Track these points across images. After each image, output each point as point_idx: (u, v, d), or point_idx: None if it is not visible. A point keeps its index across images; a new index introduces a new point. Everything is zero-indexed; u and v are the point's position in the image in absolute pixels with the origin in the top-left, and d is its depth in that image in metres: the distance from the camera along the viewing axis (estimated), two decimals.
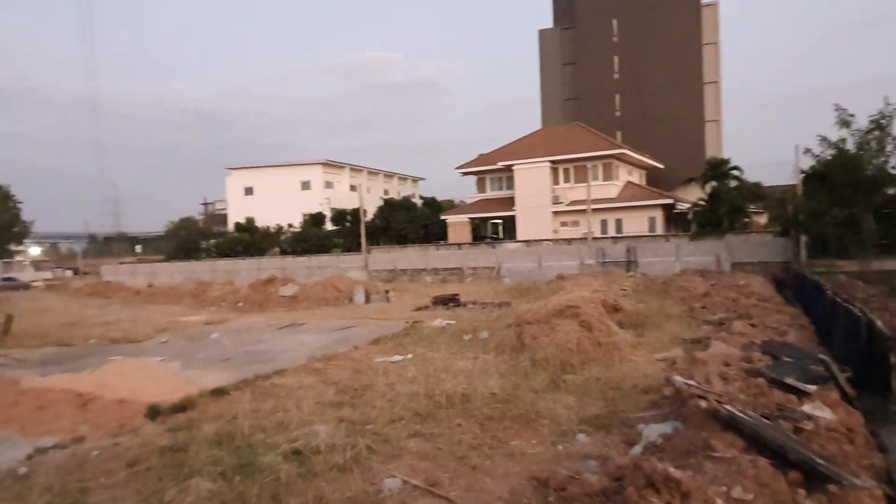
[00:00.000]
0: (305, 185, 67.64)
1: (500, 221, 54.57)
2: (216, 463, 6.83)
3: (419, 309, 23.74)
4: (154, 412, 9.60)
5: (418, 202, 59.70)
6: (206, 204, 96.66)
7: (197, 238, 66.47)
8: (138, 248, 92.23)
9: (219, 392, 10.87)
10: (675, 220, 46.02)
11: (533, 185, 45.73)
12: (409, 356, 13.40)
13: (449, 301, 24.39)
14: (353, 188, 67.42)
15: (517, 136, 52.80)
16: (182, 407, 9.87)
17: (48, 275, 66.65)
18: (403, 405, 9.05)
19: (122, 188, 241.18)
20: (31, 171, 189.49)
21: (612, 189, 45.09)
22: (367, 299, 28.99)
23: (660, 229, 42.58)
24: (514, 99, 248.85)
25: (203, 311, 28.83)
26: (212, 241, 61.95)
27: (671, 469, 4.94)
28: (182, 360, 14.54)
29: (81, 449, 8.13)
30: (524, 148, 48.95)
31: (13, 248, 63.37)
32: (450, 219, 51.15)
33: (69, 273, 68.65)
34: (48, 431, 8.87)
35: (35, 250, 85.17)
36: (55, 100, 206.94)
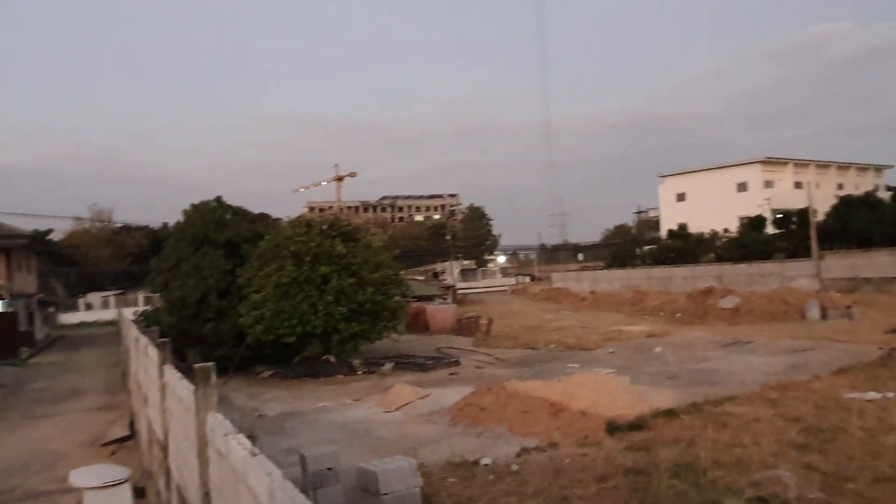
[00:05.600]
0: (741, 187, 63.74)
1: None
2: (679, 496, 7.09)
3: None
4: (613, 427, 10.46)
5: (885, 196, 49.98)
6: (639, 212, 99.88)
7: (631, 245, 69.01)
8: (580, 256, 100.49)
9: (670, 413, 11.20)
10: None
11: None
12: (891, 395, 11.43)
13: None
14: (797, 185, 60.59)
15: None
16: (637, 425, 10.52)
17: (512, 281, 77.88)
18: (891, 462, 7.79)
19: (567, 201, 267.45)
20: (497, 192, 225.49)
21: None
22: (824, 315, 25.72)
23: None
24: None
25: (642, 320, 29.85)
26: (645, 248, 63.42)
27: None
28: (629, 373, 15.32)
29: (556, 454, 9.41)
30: None
31: (487, 257, 77.55)
32: None
33: (527, 279, 78.88)
34: (530, 433, 10.54)
35: (501, 259, 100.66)
36: (512, 130, 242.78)
